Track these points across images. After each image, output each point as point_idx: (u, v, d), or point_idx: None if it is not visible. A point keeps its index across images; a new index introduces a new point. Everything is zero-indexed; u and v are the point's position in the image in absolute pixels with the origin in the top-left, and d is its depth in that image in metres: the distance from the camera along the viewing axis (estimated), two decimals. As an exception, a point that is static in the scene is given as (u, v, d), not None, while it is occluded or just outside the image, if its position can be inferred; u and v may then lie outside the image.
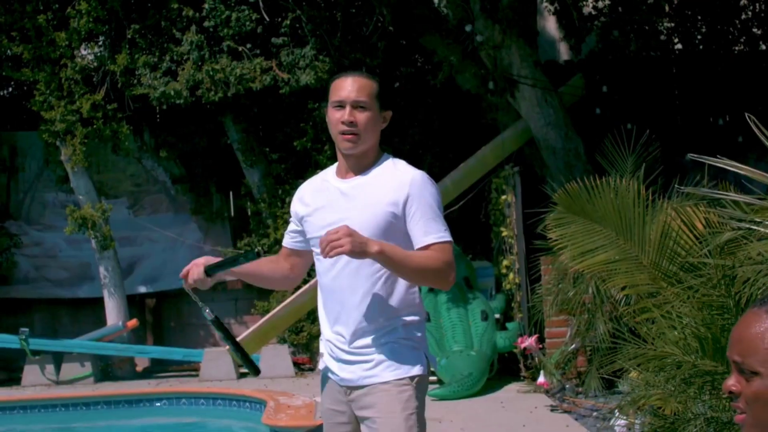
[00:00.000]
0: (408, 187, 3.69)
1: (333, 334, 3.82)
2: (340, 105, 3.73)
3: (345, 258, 3.67)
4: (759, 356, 2.26)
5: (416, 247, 3.69)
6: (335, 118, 3.74)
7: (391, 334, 3.74)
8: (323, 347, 3.92)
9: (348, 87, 3.72)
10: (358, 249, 3.47)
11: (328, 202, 3.81)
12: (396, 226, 3.69)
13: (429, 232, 3.69)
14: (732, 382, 2.34)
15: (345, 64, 12.20)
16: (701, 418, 4.90)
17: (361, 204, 3.71)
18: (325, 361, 3.92)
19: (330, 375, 3.89)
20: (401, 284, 3.75)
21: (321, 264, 3.84)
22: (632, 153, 8.82)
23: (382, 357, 3.73)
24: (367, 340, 3.74)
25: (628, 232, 5.80)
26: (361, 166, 3.80)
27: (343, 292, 3.76)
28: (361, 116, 3.71)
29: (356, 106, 3.71)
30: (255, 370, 3.92)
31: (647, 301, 5.54)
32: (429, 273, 3.66)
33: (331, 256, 3.51)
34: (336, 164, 3.91)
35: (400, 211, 3.68)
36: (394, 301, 3.75)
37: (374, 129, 3.76)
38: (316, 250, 3.81)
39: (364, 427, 3.77)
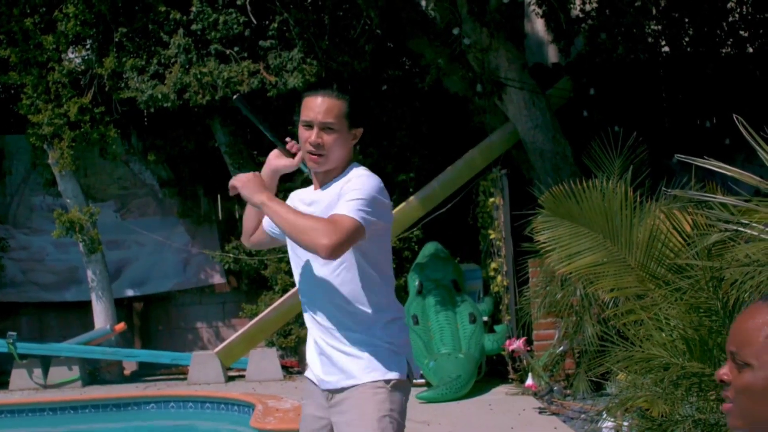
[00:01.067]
0: (347, 181, 3.74)
1: (318, 333, 3.86)
2: (309, 125, 3.80)
3: (306, 257, 3.81)
4: (753, 348, 2.29)
5: None
6: (304, 137, 3.83)
7: (370, 336, 3.76)
8: (310, 350, 3.95)
9: (316, 108, 3.77)
10: (245, 191, 3.80)
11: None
12: None
13: (341, 208, 3.59)
14: (725, 371, 2.37)
15: (332, 68, 12.20)
16: (689, 420, 4.91)
17: (319, 213, 3.73)
18: (309, 364, 3.95)
19: (314, 379, 3.93)
20: (364, 280, 3.76)
21: (293, 265, 3.97)
22: (619, 155, 8.84)
23: (359, 359, 3.75)
24: (344, 341, 3.77)
25: (616, 235, 5.81)
26: (327, 179, 3.88)
27: (311, 292, 3.87)
28: (328, 138, 3.77)
29: (324, 127, 3.77)
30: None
31: (635, 303, 5.55)
32: (307, 230, 3.51)
33: (230, 192, 3.88)
34: None
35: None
36: (358, 297, 3.76)
37: (342, 148, 3.82)
38: (294, 253, 3.95)
39: (337, 429, 3.78)
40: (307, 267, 3.85)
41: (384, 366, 3.74)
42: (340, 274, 3.75)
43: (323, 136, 3.76)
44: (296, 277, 3.96)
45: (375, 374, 3.72)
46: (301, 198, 3.97)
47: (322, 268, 3.78)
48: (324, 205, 3.76)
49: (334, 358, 3.78)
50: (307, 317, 3.91)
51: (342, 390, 3.77)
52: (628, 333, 5.37)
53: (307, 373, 3.99)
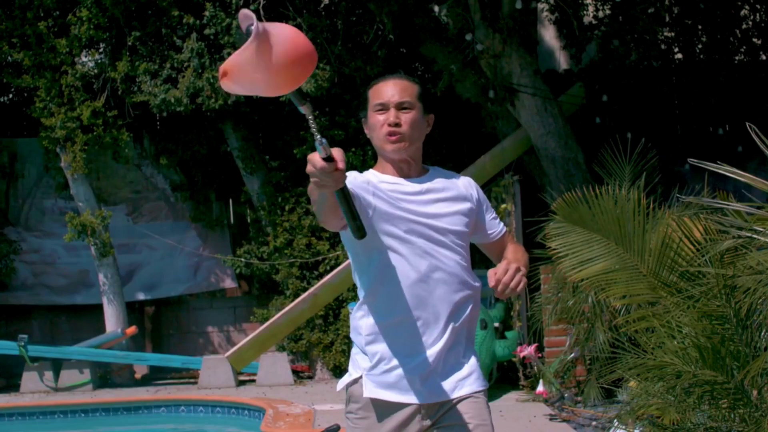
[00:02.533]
0: (472, 186, 3.87)
1: (433, 344, 3.57)
2: (383, 107, 3.61)
3: (443, 267, 3.58)
4: None
5: (493, 237, 3.91)
6: (379, 121, 3.61)
7: (472, 344, 3.69)
8: (397, 371, 3.59)
9: (390, 90, 3.61)
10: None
11: (402, 198, 3.60)
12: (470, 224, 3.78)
13: (499, 225, 3.96)
14: None
15: (345, 73, 12.21)
16: (701, 428, 4.90)
17: (444, 205, 3.67)
18: (401, 385, 3.58)
19: (411, 398, 3.58)
20: (478, 294, 3.71)
21: (401, 268, 3.57)
22: (631, 162, 8.83)
23: (471, 368, 3.65)
24: (459, 350, 3.62)
25: (628, 242, 5.80)
26: (412, 172, 3.67)
27: (437, 303, 3.56)
28: (406, 116, 3.59)
29: (400, 107, 3.60)
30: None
31: (647, 310, 5.54)
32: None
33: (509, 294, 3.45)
34: (372, 171, 3.71)
35: (474, 208, 3.82)
36: (475, 310, 3.68)
37: (419, 131, 3.65)
38: (398, 243, 3.57)
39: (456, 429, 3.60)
40: (430, 277, 3.56)
41: (483, 376, 3.69)
42: (465, 284, 3.64)
43: (401, 115, 3.58)
44: (406, 278, 3.55)
45: (483, 383, 3.66)
46: (393, 189, 3.59)
47: (448, 279, 3.58)
48: (446, 195, 3.71)
49: (447, 369, 3.58)
50: (412, 329, 3.56)
51: (450, 400, 3.58)
52: (640, 340, 5.36)
53: (371, 393, 3.59)
